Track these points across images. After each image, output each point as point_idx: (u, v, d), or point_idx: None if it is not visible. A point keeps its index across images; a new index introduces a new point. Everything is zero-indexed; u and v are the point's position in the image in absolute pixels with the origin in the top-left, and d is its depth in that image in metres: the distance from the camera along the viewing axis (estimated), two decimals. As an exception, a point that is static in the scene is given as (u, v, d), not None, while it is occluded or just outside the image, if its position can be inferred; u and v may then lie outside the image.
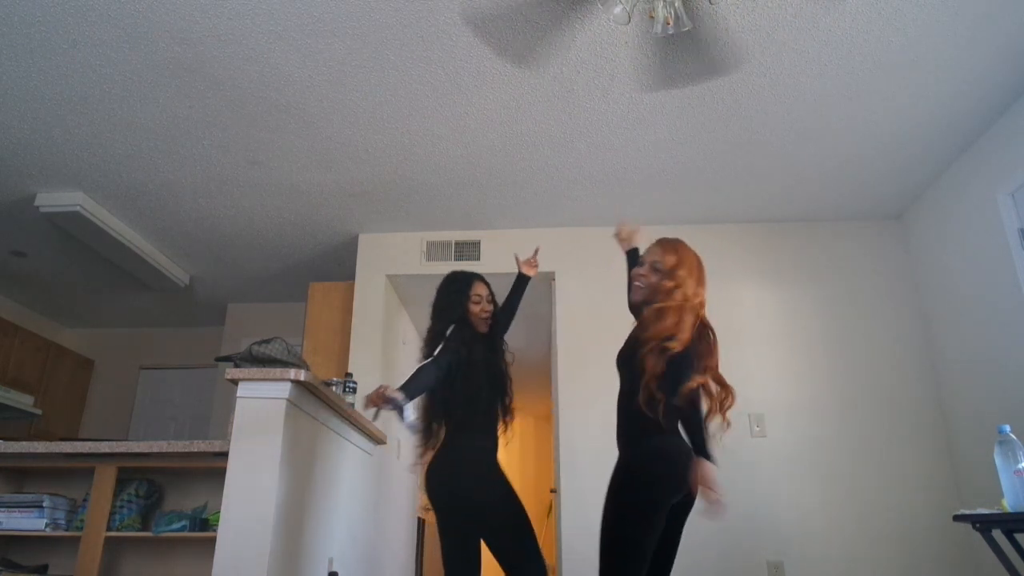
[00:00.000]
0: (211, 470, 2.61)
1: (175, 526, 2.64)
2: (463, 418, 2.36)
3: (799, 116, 3.29)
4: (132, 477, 2.77)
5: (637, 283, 2.24)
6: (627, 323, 2.31)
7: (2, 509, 2.71)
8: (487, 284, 2.60)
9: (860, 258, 4.22)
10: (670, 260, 2.17)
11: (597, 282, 4.18)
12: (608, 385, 3.89)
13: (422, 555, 5.26)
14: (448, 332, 2.42)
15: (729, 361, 2.25)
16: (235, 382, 2.49)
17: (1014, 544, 2.43)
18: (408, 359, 5.06)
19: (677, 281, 2.12)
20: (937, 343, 3.90)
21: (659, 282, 2.16)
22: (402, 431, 4.59)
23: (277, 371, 2.49)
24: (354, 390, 3.56)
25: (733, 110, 3.24)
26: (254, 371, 2.51)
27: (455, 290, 2.56)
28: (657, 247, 2.25)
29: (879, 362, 3.97)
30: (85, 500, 2.70)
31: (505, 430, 2.48)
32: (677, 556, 2.09)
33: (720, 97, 3.15)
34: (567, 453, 3.97)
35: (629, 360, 2.13)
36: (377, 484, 3.96)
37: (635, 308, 2.31)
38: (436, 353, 2.34)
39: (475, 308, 2.52)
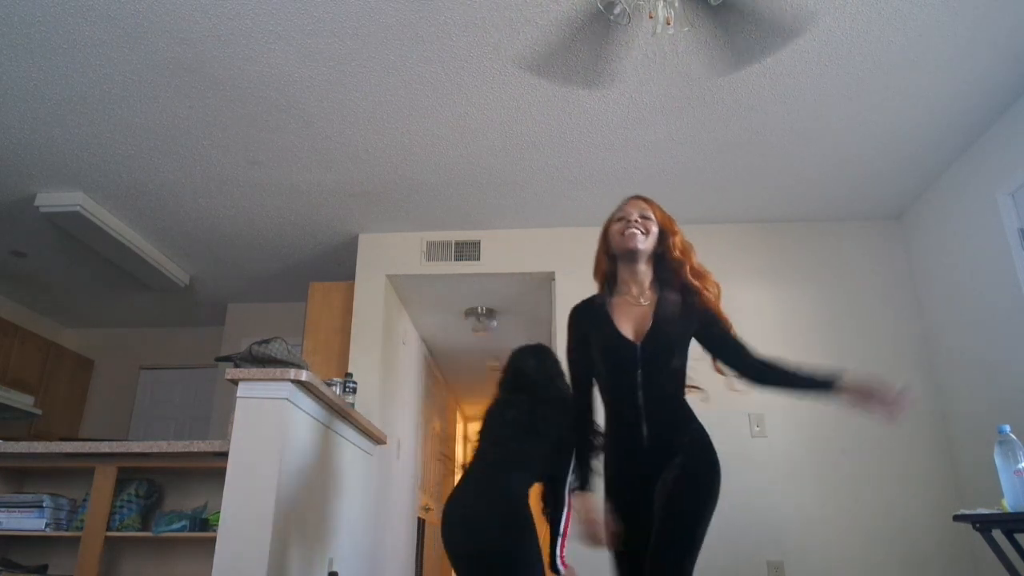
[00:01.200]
0: (211, 470, 2.61)
1: (175, 526, 2.64)
2: None
3: (799, 116, 3.29)
4: (132, 477, 2.77)
5: (637, 231, 2.12)
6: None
7: (2, 509, 2.70)
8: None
9: (860, 258, 4.21)
10: (658, 212, 2.18)
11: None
12: (608, 385, 3.95)
13: (422, 555, 5.26)
14: None
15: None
16: (235, 382, 2.49)
17: (1014, 544, 2.43)
18: (408, 359, 5.06)
19: (675, 229, 2.17)
20: (937, 343, 3.90)
21: (659, 233, 2.15)
22: (402, 431, 4.60)
23: (277, 371, 2.50)
24: (354, 390, 3.56)
25: (733, 110, 3.24)
26: (254, 371, 2.51)
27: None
28: (638, 199, 2.22)
29: (879, 362, 3.95)
30: (85, 500, 2.70)
31: None
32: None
33: (720, 97, 3.15)
34: (567, 453, 3.96)
35: (678, 330, 2.09)
36: (377, 484, 3.96)
37: (646, 256, 2.17)
38: None
39: None
